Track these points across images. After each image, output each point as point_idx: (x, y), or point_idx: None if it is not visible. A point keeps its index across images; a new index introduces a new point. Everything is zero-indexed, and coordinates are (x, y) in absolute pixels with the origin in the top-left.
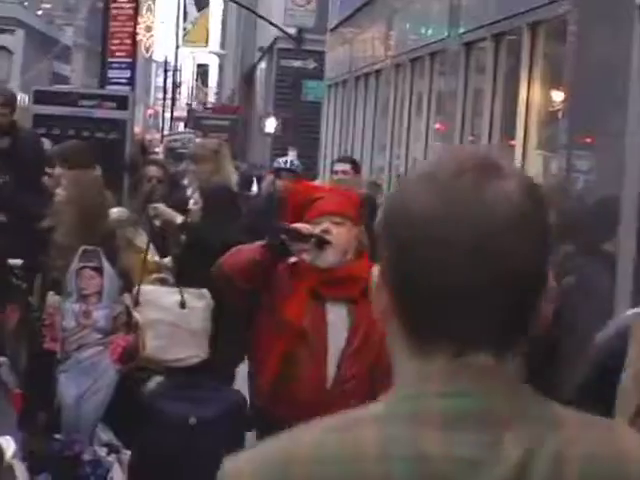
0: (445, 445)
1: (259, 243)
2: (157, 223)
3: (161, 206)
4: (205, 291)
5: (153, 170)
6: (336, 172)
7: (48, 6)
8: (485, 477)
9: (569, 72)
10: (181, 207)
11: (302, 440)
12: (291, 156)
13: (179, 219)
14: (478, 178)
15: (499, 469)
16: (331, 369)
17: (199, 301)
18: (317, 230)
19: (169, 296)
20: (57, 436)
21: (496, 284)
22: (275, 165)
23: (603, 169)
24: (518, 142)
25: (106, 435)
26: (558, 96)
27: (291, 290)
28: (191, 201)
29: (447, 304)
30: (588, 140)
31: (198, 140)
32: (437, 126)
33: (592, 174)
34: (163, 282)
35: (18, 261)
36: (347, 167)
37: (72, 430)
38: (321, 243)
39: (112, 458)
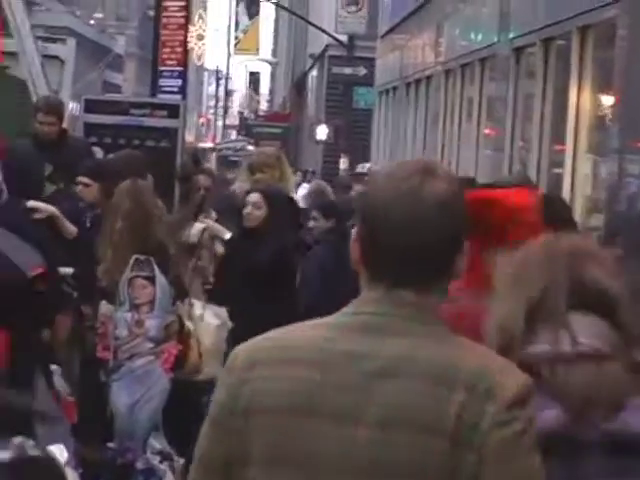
0: (347, 343)
1: None
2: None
3: (210, 222)
4: (222, 310)
5: (202, 179)
6: None
7: (100, 15)
8: (360, 366)
9: (619, 76)
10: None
11: (283, 333)
12: (343, 163)
13: (227, 235)
14: (420, 179)
15: (370, 362)
16: None
17: (214, 319)
18: None
19: (197, 310)
20: (110, 444)
21: (419, 248)
22: (356, 171)
23: None
24: (568, 147)
25: (159, 443)
26: (608, 100)
27: None
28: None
29: (387, 257)
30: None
31: (255, 149)
32: (487, 131)
33: None
34: None
35: (69, 270)
36: None
37: (125, 438)
38: None
39: (165, 466)
